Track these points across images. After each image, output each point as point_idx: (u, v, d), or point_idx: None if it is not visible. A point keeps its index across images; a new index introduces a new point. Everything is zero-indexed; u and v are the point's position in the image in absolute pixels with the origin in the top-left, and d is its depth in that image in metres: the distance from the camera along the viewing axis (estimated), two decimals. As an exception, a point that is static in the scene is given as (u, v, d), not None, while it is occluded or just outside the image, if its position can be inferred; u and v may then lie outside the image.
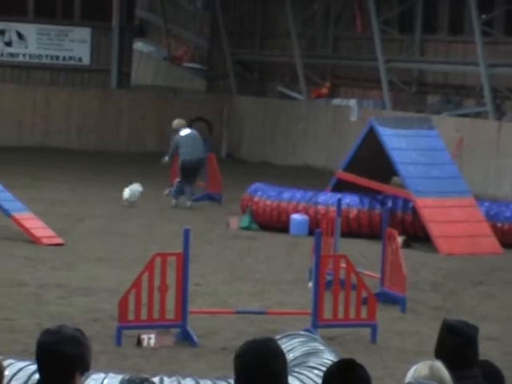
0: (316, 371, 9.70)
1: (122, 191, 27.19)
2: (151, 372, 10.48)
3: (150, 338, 13.68)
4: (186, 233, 13.91)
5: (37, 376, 5.85)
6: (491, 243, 21.51)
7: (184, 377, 9.91)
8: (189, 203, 25.43)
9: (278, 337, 11.69)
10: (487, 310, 16.18)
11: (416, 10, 33.95)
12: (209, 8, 41.68)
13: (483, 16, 30.67)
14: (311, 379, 9.68)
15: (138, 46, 43.10)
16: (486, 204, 22.93)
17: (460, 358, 6.65)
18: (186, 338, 13.83)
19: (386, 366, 12.74)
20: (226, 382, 10.00)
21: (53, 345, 5.71)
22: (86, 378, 9.77)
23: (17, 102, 37.20)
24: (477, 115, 31.34)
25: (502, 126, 29.65)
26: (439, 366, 6.04)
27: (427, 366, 6.03)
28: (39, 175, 29.31)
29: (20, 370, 9.24)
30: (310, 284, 15.04)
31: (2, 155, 32.10)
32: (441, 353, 6.78)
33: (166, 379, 9.69)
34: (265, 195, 23.58)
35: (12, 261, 18.53)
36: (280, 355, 5.43)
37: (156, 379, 9.74)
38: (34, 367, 5.66)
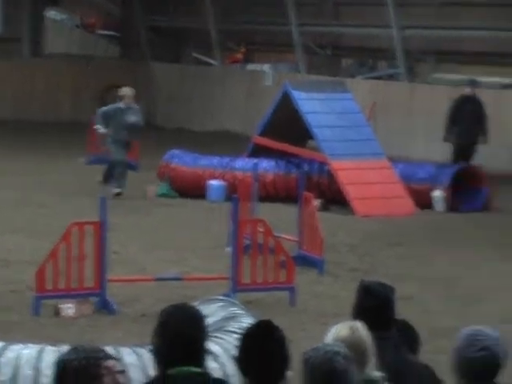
0: (235, 335, 9.72)
1: (37, 161, 27.03)
2: (70, 341, 10.41)
3: (68, 308, 13.63)
4: (103, 201, 13.90)
5: None
6: (406, 204, 21.69)
7: (103, 345, 9.87)
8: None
9: (196, 302, 11.71)
10: (403, 270, 16.33)
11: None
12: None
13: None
14: (230, 343, 9.70)
15: (51, 14, 42.72)
16: (400, 166, 23.11)
17: (377, 319, 6.67)
18: (104, 307, 13.81)
19: (304, 328, 12.79)
20: (145, 349, 9.99)
21: None
22: (3, 351, 9.72)
23: None
24: (390, 77, 31.52)
25: (414, 88, 29.87)
26: (359, 326, 6.07)
27: (347, 326, 6.06)
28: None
29: None
30: (228, 249, 15.07)
31: None
32: (358, 314, 6.81)
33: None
34: (181, 162, 23.57)
35: None
36: (199, 319, 5.58)
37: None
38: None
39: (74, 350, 5.86)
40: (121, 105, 22.89)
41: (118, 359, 5.92)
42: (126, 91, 23.20)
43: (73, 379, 5.65)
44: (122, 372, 5.80)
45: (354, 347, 5.82)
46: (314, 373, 5.38)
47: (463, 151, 24.47)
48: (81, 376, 5.65)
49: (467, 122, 24.30)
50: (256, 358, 5.64)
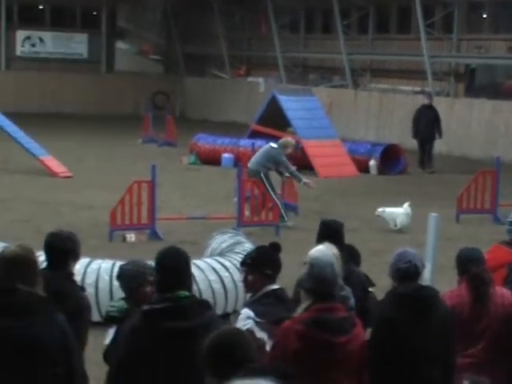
0: (239, 255, 9.70)
1: (110, 140, 26.92)
2: (132, 258, 10.38)
3: (131, 236, 13.66)
4: (153, 168, 13.89)
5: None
6: (352, 169, 21.65)
7: (154, 260, 9.82)
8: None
9: (214, 233, 11.67)
10: (349, 211, 16.29)
11: (299, 17, 33.82)
12: (165, 18, 41.23)
13: (344, 22, 30.63)
14: (236, 260, 9.70)
15: (119, 44, 42.53)
16: (348, 144, 23.03)
17: (334, 242, 6.64)
18: (155, 236, 13.81)
19: (286, 250, 12.78)
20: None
21: (54, 242, 5.66)
22: (89, 264, 9.71)
23: (39, 84, 36.72)
24: (341, 86, 31.39)
25: (357, 94, 29.75)
26: (332, 247, 6.16)
27: (325, 246, 6.16)
28: (53, 132, 28.91)
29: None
30: (235, 199, 15.04)
31: (28, 119, 31.51)
32: (320, 240, 6.78)
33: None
34: (204, 141, 23.49)
35: (39, 188, 18.32)
36: (185, 257, 5.17)
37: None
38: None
39: (132, 262, 5.82)
40: (282, 153, 15.39)
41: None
42: (290, 143, 15.94)
43: (126, 282, 5.63)
44: None
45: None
46: (320, 273, 5.20)
47: (425, 144, 22.43)
48: (131, 281, 5.61)
49: (427, 124, 22.30)
50: (269, 256, 5.82)
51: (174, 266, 4.97)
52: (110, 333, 5.58)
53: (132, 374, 4.81)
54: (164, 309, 4.81)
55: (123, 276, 5.74)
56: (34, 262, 4.88)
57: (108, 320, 5.62)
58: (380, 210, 15.07)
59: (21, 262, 4.80)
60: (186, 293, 4.94)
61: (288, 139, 16.27)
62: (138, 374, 4.79)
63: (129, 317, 5.36)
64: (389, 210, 15.01)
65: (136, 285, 5.59)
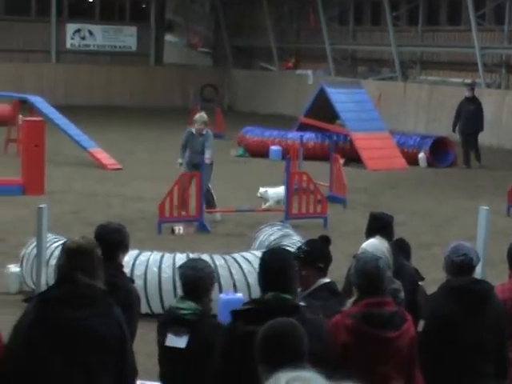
0: (288, 248, 9.68)
1: (158, 133, 27.01)
2: (180, 250, 10.43)
3: (179, 228, 13.72)
4: (202, 160, 13.88)
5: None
6: (400, 162, 21.50)
7: (202, 252, 9.89)
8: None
9: (262, 226, 11.68)
10: (398, 205, 16.19)
11: (348, 9, 33.63)
12: (213, 10, 41.32)
13: (394, 14, 30.44)
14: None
15: (168, 37, 42.70)
16: (397, 136, 22.87)
17: (381, 237, 6.60)
18: (203, 228, 13.85)
19: (334, 242, 12.75)
20: (230, 256, 9.98)
21: (103, 234, 5.70)
22: (138, 256, 9.76)
23: (88, 76, 37.00)
24: (390, 79, 31.18)
25: (406, 86, 29.54)
26: (383, 241, 6.11)
27: (377, 239, 6.09)
28: (102, 124, 29.12)
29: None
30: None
31: (77, 111, 31.80)
32: (369, 233, 6.75)
33: (190, 254, 9.68)
34: (253, 134, 23.50)
35: (88, 180, 18.46)
36: (290, 259, 5.12)
37: (184, 254, 9.73)
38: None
39: (199, 261, 5.79)
40: (192, 130, 14.87)
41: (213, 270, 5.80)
42: (196, 117, 14.95)
43: (206, 283, 5.48)
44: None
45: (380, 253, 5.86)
46: (364, 268, 5.14)
47: (468, 138, 21.56)
48: (210, 281, 5.52)
49: (467, 117, 21.47)
50: (321, 250, 5.82)
51: (278, 267, 4.88)
52: (183, 336, 5.32)
53: (231, 379, 4.73)
54: (245, 310, 4.75)
55: (206, 276, 5.52)
56: (96, 255, 4.88)
57: (181, 324, 5.35)
58: (262, 190, 15.29)
59: (82, 254, 4.80)
60: (287, 296, 4.81)
61: (200, 113, 15.14)
62: (234, 379, 4.71)
63: (205, 318, 5.31)
64: (271, 189, 15.26)
65: (211, 285, 5.52)
